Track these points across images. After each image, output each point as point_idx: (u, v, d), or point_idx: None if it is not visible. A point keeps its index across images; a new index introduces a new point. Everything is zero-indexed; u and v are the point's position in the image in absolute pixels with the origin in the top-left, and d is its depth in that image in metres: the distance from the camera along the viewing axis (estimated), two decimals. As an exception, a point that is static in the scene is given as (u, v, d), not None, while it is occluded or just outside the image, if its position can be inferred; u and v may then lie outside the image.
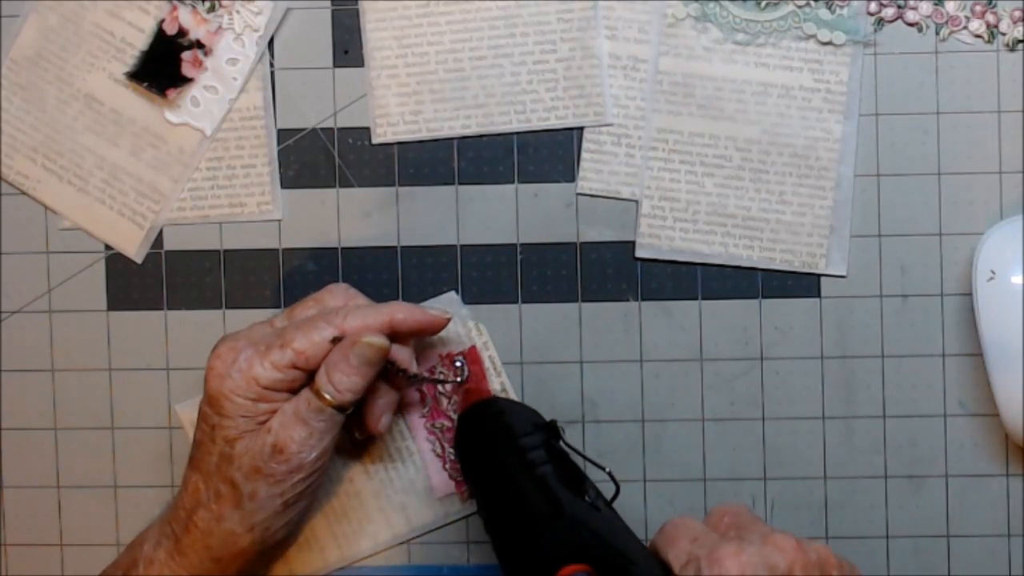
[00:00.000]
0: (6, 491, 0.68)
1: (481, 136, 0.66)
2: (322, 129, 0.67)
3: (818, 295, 0.65)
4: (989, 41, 0.65)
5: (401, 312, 0.60)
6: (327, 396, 0.58)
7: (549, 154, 0.66)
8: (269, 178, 0.67)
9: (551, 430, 0.61)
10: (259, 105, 0.67)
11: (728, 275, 0.66)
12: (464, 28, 0.66)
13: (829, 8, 0.65)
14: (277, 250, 0.67)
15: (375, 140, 0.67)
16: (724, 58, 0.65)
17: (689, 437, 0.66)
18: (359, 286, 0.63)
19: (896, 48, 0.65)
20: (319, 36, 0.67)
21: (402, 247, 0.67)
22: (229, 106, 0.67)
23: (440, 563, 0.66)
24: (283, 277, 0.67)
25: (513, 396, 0.66)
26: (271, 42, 0.67)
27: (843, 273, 0.65)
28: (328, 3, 0.67)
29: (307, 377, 0.59)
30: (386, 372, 0.61)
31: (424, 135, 0.66)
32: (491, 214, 0.66)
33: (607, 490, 0.59)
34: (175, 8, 0.66)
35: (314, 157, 0.67)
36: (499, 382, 0.66)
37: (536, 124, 0.66)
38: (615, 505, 0.59)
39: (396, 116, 0.66)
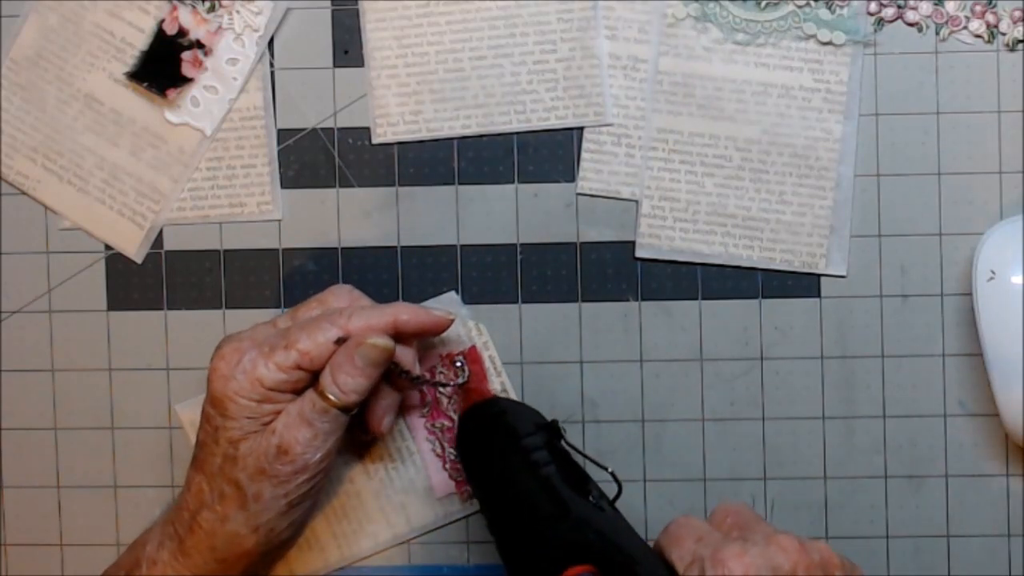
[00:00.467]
0: (6, 491, 0.68)
1: (481, 136, 0.66)
2: (322, 129, 0.67)
3: (818, 295, 0.65)
4: (989, 41, 0.65)
5: (405, 313, 0.60)
6: (331, 397, 0.58)
7: (549, 154, 0.66)
8: (269, 178, 0.67)
9: (553, 430, 0.61)
10: (259, 105, 0.67)
11: (728, 275, 0.66)
12: (464, 28, 0.66)
13: (829, 8, 0.65)
14: (277, 250, 0.67)
15: (375, 140, 0.67)
16: (724, 58, 0.65)
17: (689, 437, 0.66)
18: (359, 286, 0.63)
19: (896, 48, 0.65)
20: (319, 36, 0.67)
21: (402, 247, 0.67)
22: (229, 106, 0.67)
23: (440, 563, 0.66)
24: (283, 277, 0.67)
25: (513, 396, 0.66)
26: (271, 42, 0.67)
27: (843, 273, 0.65)
28: (328, 3, 0.67)
29: (311, 378, 0.59)
30: (388, 373, 0.61)
31: (424, 135, 0.66)
32: (491, 214, 0.66)
33: (608, 489, 0.59)
34: (175, 8, 0.66)
35: (314, 157, 0.67)
36: (499, 382, 0.66)
37: (536, 124, 0.66)
38: (616, 504, 0.59)
39: (396, 116, 0.66)
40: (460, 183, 0.66)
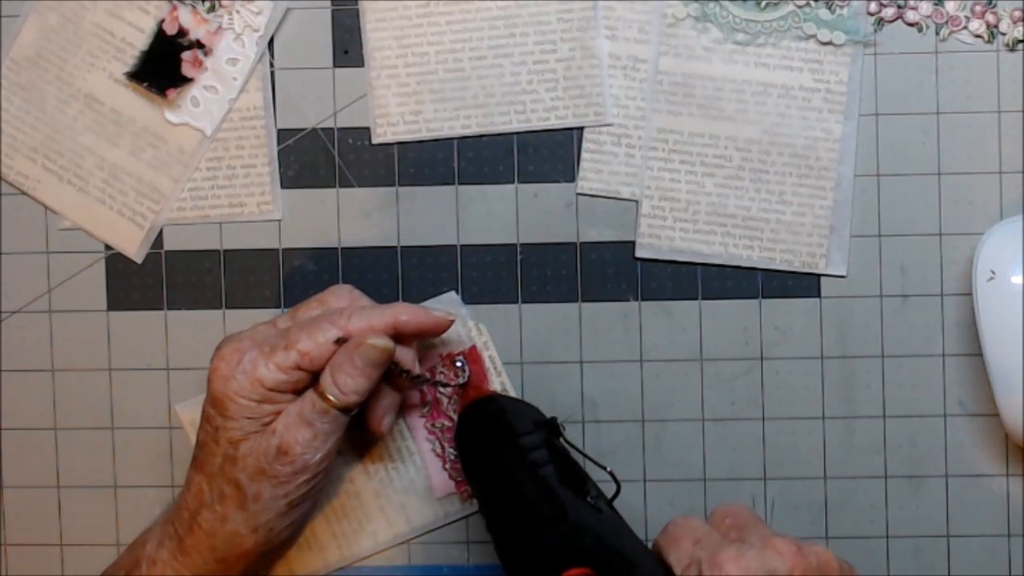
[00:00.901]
0: (6, 491, 0.68)
1: (481, 136, 0.66)
2: (322, 129, 0.67)
3: (818, 295, 0.65)
4: (989, 41, 0.65)
5: (405, 313, 0.60)
6: (332, 398, 0.58)
7: (549, 154, 0.66)
8: (269, 178, 0.67)
9: (552, 428, 0.61)
10: (259, 105, 0.67)
11: (728, 275, 0.66)
12: (464, 28, 0.66)
13: (829, 8, 0.65)
14: (277, 250, 0.67)
15: (375, 140, 0.67)
16: (724, 58, 0.65)
17: (689, 437, 0.66)
18: (359, 286, 0.63)
19: (896, 48, 0.65)
20: (319, 36, 0.67)
21: (402, 247, 0.67)
22: (229, 106, 0.67)
23: (440, 563, 0.66)
24: (283, 277, 0.67)
25: (513, 395, 0.66)
26: (271, 42, 0.67)
27: (843, 273, 0.65)
28: (328, 3, 0.67)
29: (311, 378, 0.59)
30: (388, 373, 0.61)
31: (424, 135, 0.66)
32: (491, 214, 0.66)
33: (607, 488, 0.59)
34: (175, 8, 0.66)
35: (314, 157, 0.67)
36: (499, 382, 0.66)
37: (536, 124, 0.66)
38: (616, 504, 0.59)
39: (396, 116, 0.66)
40: (460, 183, 0.66)
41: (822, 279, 0.65)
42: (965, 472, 0.65)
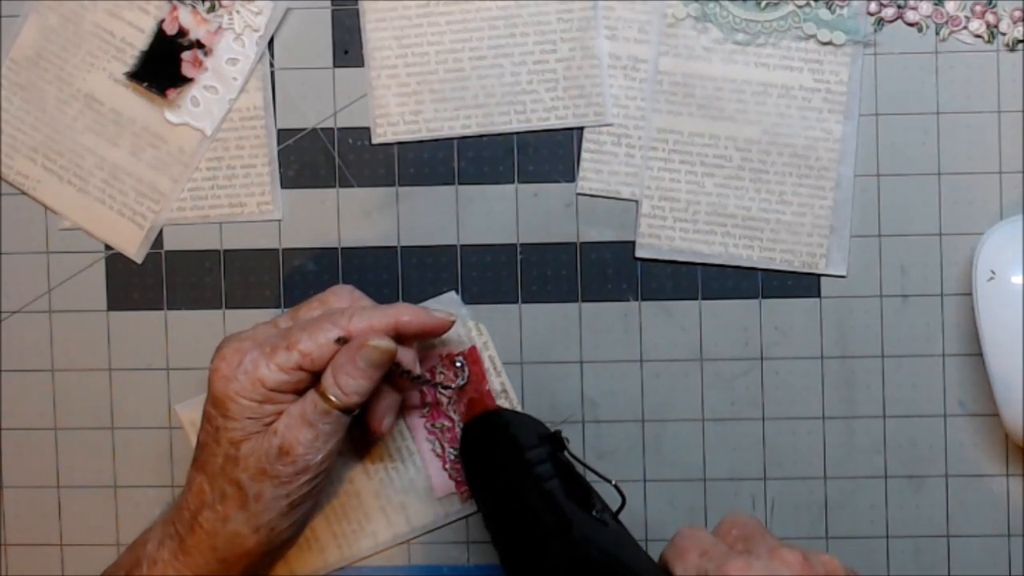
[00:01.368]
0: (6, 491, 0.68)
1: (481, 136, 0.66)
2: (322, 129, 0.67)
3: (818, 295, 0.65)
4: (989, 41, 0.65)
5: (406, 314, 0.60)
6: (333, 399, 0.58)
7: (549, 154, 0.66)
8: (269, 178, 0.67)
9: (556, 441, 0.61)
10: (259, 105, 0.67)
11: (728, 275, 0.66)
12: (464, 28, 0.66)
13: (829, 8, 0.65)
14: (277, 250, 0.67)
15: (375, 140, 0.67)
16: (724, 58, 0.65)
17: (689, 437, 0.66)
18: (359, 286, 0.63)
19: (896, 48, 0.65)
20: (319, 36, 0.67)
21: (402, 247, 0.67)
22: (229, 106, 0.67)
23: (440, 563, 0.66)
24: (283, 277, 0.67)
25: (513, 396, 0.66)
26: (271, 42, 0.67)
27: (843, 273, 0.65)
28: (328, 3, 0.67)
29: (312, 379, 0.59)
30: (389, 374, 0.61)
31: (424, 135, 0.66)
32: (491, 214, 0.66)
33: (609, 496, 0.59)
34: (175, 8, 0.66)
35: (314, 157, 0.67)
36: (499, 382, 0.66)
37: (536, 124, 0.66)
38: (621, 516, 0.59)
39: (396, 116, 0.66)
40: (460, 183, 0.66)
41: (822, 279, 0.65)
42: (965, 472, 0.65)
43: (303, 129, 0.67)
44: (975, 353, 0.64)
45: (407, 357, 0.61)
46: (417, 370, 0.62)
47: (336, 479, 0.66)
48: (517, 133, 0.66)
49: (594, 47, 0.66)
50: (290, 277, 0.67)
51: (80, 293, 0.68)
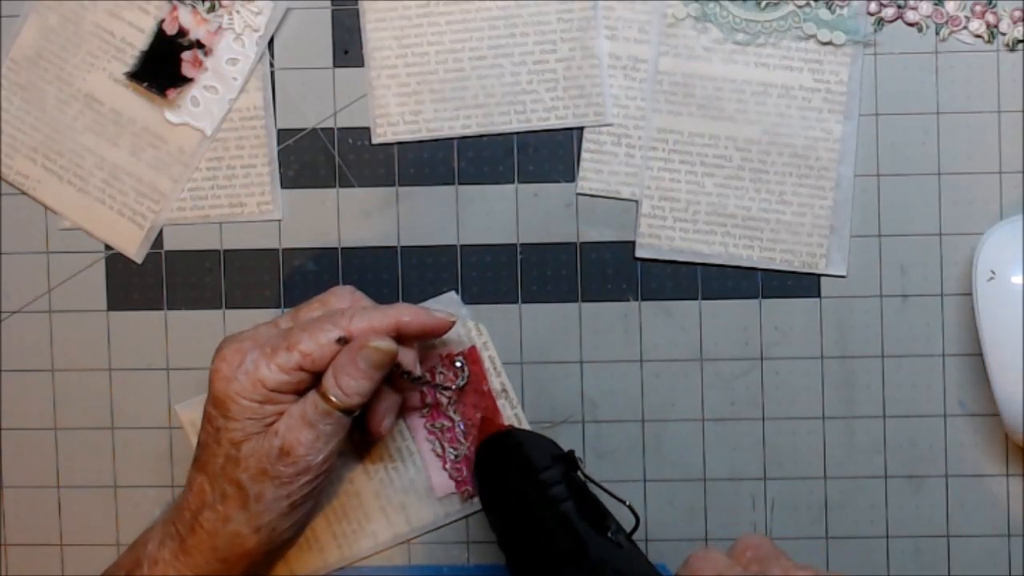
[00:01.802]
0: (6, 491, 0.68)
1: (481, 136, 0.66)
2: (322, 129, 0.67)
3: (818, 295, 0.65)
4: (989, 41, 0.65)
5: (407, 314, 0.60)
6: (334, 399, 0.58)
7: (549, 154, 0.66)
8: (269, 178, 0.67)
9: (570, 461, 0.60)
10: (259, 105, 0.67)
11: (728, 275, 0.66)
12: (464, 28, 0.66)
13: (829, 8, 0.65)
14: (277, 250, 0.67)
15: (375, 140, 0.67)
16: (724, 58, 0.65)
17: (689, 437, 0.66)
18: (359, 286, 0.63)
19: (896, 48, 0.65)
20: (319, 36, 0.67)
21: (402, 247, 0.67)
22: (229, 106, 0.67)
23: (440, 563, 0.66)
24: (283, 277, 0.67)
25: (513, 396, 0.66)
26: (271, 42, 0.67)
27: (843, 273, 0.65)
28: (328, 3, 0.67)
29: (313, 379, 0.59)
30: (390, 375, 0.61)
31: (424, 135, 0.66)
32: (491, 214, 0.66)
33: (618, 508, 0.59)
34: (175, 8, 0.66)
35: (314, 157, 0.67)
36: (499, 382, 0.66)
37: (536, 124, 0.66)
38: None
39: (396, 116, 0.66)
40: (460, 183, 0.66)
41: (822, 279, 0.65)
42: (965, 472, 0.65)
43: (303, 129, 0.67)
44: (975, 353, 0.64)
45: (408, 358, 0.61)
46: (418, 371, 0.62)
47: (336, 479, 0.66)
48: (517, 133, 0.66)
49: (594, 47, 0.66)
50: (290, 277, 0.67)
51: (80, 293, 0.68)
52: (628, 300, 0.66)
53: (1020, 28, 0.64)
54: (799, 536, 0.65)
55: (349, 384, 0.58)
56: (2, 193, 0.68)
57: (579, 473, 0.60)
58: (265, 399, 0.58)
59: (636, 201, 0.66)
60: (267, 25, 0.66)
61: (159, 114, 0.67)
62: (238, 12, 0.66)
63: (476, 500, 0.65)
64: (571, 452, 0.61)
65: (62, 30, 0.67)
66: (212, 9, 0.66)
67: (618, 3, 0.66)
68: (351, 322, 0.59)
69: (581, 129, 0.66)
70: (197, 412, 0.62)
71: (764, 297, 0.66)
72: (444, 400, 0.66)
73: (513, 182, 0.66)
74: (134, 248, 0.67)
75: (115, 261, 0.68)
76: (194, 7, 0.66)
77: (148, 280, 0.67)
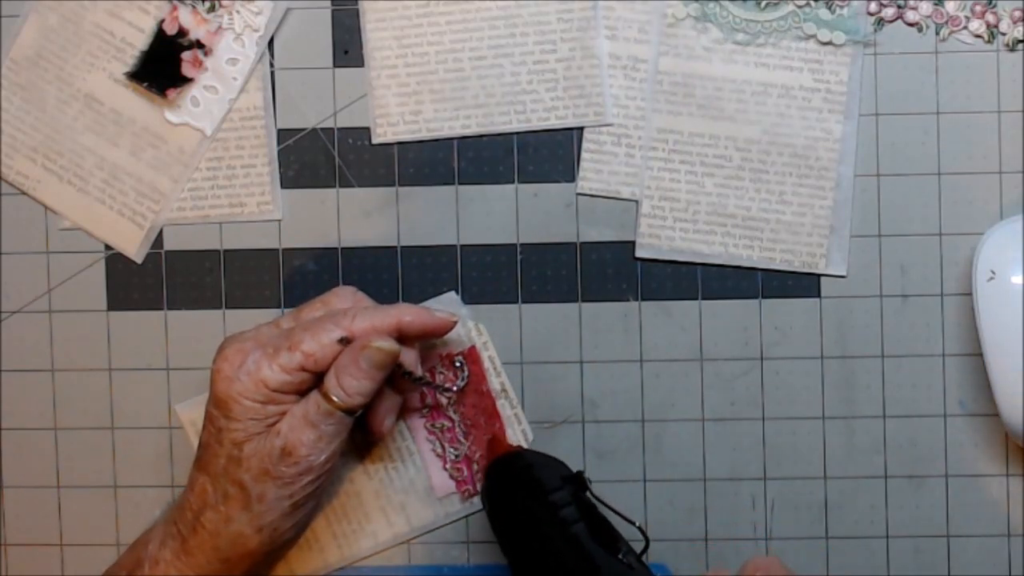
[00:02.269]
0: (6, 491, 0.68)
1: (481, 136, 0.66)
2: (322, 129, 0.67)
3: (818, 295, 0.66)
4: (989, 41, 0.65)
5: (409, 314, 0.60)
6: (336, 400, 0.58)
7: (549, 154, 0.66)
8: (269, 178, 0.67)
9: (579, 482, 0.60)
10: (259, 105, 0.67)
11: (728, 275, 0.66)
12: (464, 28, 0.66)
13: (829, 8, 0.65)
14: (277, 250, 0.67)
15: (375, 140, 0.67)
16: (724, 58, 0.65)
17: (689, 437, 0.66)
18: (359, 286, 0.63)
19: (896, 48, 0.65)
20: (319, 36, 0.67)
21: (402, 247, 0.67)
22: (229, 106, 0.67)
23: (440, 563, 0.66)
24: (283, 277, 0.67)
25: (513, 396, 0.66)
26: (271, 42, 0.67)
27: (843, 273, 0.65)
28: (328, 3, 0.67)
29: (315, 379, 0.59)
30: (391, 375, 0.60)
31: (424, 135, 0.66)
32: (491, 214, 0.66)
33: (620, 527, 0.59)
34: (175, 8, 0.66)
35: (314, 157, 0.67)
36: (499, 382, 0.66)
37: (536, 124, 0.66)
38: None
39: (396, 116, 0.66)
40: (460, 183, 0.66)
41: (822, 279, 0.65)
42: (965, 472, 0.65)
43: (303, 129, 0.67)
44: (975, 353, 0.64)
45: (409, 358, 0.61)
46: (419, 371, 0.62)
47: (336, 479, 0.66)
48: (517, 133, 0.66)
49: (594, 47, 0.66)
50: (290, 277, 0.67)
51: (80, 293, 0.67)
52: (628, 300, 0.66)
53: (1020, 28, 0.64)
54: (799, 536, 0.65)
55: (351, 384, 0.58)
56: (2, 193, 0.68)
57: (588, 494, 0.60)
58: (267, 399, 0.58)
59: (636, 201, 0.66)
60: (267, 25, 0.66)
61: (159, 114, 0.67)
62: (238, 12, 0.66)
63: (476, 500, 0.66)
64: (580, 473, 0.60)
65: (62, 30, 0.67)
66: (212, 9, 0.66)
67: (618, 3, 0.66)
68: (353, 322, 0.59)
69: (581, 129, 0.66)
70: (197, 412, 0.62)
71: (764, 297, 0.66)
72: (444, 400, 0.66)
73: (513, 182, 0.66)
74: (134, 248, 0.67)
75: (115, 261, 0.67)
76: (194, 7, 0.66)
77: (148, 280, 0.67)
